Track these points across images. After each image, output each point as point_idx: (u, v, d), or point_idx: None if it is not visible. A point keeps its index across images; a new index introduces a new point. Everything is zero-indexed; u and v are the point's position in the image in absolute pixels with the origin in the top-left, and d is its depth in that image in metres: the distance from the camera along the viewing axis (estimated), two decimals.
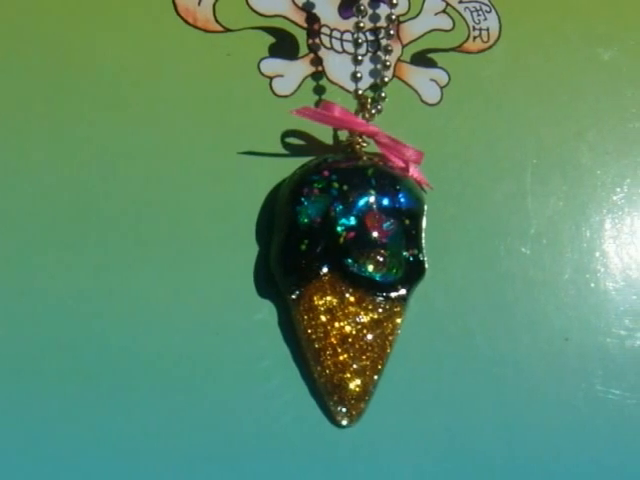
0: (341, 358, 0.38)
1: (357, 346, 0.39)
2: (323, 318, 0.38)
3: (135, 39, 0.41)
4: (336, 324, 0.38)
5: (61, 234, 0.38)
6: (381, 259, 0.39)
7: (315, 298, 0.38)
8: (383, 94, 0.41)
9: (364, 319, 0.39)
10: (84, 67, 0.40)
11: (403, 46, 0.43)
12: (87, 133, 0.39)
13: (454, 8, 0.44)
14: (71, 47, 0.40)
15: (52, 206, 0.38)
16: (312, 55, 0.42)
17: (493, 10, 0.44)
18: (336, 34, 0.42)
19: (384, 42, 0.42)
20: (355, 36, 0.42)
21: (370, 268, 0.38)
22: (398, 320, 0.39)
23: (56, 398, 0.37)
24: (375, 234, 0.39)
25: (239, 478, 0.38)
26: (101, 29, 0.40)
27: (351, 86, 0.42)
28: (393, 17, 0.42)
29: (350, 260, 0.38)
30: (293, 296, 0.38)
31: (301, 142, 0.41)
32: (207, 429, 0.38)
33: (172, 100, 0.40)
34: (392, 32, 0.42)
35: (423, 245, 0.40)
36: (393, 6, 0.42)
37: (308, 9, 0.42)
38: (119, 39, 0.40)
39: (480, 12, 0.44)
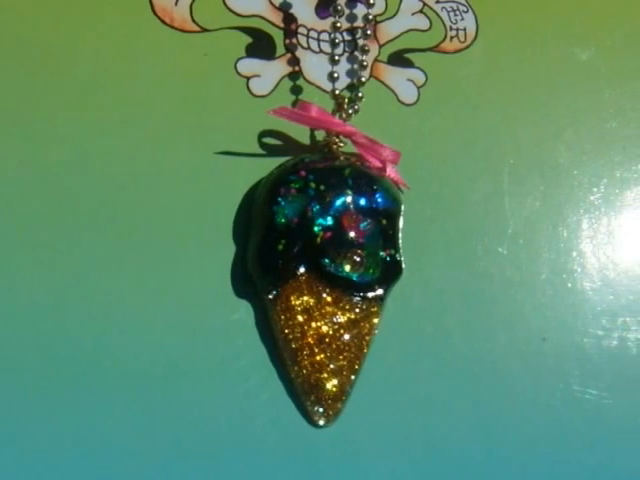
0: (318, 358, 0.38)
1: (334, 346, 0.39)
2: (300, 318, 0.38)
3: (112, 39, 0.40)
4: (313, 324, 0.38)
5: (38, 234, 0.38)
6: (358, 259, 0.39)
7: (292, 298, 0.38)
8: (360, 94, 0.41)
9: (341, 319, 0.39)
10: (61, 66, 0.40)
11: (380, 46, 0.43)
12: (64, 132, 0.39)
13: (431, 8, 0.44)
14: (48, 47, 0.40)
15: (28, 206, 0.38)
16: (289, 55, 0.42)
17: (470, 10, 0.44)
18: (313, 34, 0.42)
19: (361, 42, 0.42)
20: (332, 36, 0.42)
21: (347, 268, 0.38)
22: (375, 320, 0.39)
23: (34, 398, 0.37)
24: (352, 234, 0.39)
25: (216, 478, 0.38)
26: (78, 29, 0.40)
27: (328, 86, 0.42)
28: (370, 17, 0.42)
29: (327, 260, 0.38)
30: (270, 296, 0.38)
31: (278, 142, 0.41)
32: (184, 429, 0.38)
33: (149, 100, 0.40)
34: (369, 32, 0.42)
35: (400, 245, 0.40)
36: (370, 6, 0.42)
37: (285, 9, 0.42)
38: (96, 39, 0.40)
39: (457, 12, 0.44)
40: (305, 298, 0.39)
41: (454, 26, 0.44)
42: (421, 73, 0.43)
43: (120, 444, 0.37)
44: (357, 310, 0.39)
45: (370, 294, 0.39)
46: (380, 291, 0.39)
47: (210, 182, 0.40)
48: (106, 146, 0.39)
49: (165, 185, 0.40)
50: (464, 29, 0.44)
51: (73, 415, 0.37)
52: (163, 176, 0.40)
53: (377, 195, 0.39)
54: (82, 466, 0.37)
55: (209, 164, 0.40)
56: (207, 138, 0.40)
